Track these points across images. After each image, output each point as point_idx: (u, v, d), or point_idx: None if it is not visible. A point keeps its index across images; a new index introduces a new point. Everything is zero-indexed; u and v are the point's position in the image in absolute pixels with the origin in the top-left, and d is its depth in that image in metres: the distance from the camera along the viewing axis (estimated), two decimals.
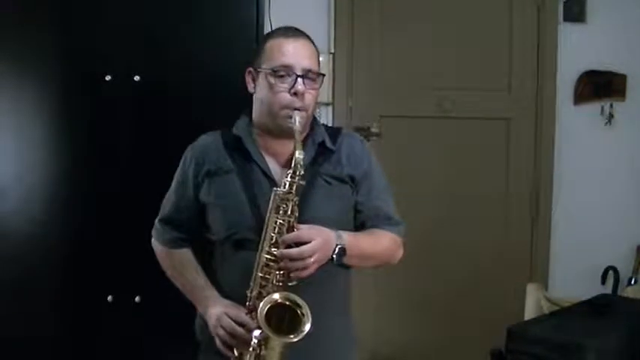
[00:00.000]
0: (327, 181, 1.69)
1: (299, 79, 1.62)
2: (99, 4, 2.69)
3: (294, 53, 1.64)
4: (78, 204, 2.73)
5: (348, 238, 1.62)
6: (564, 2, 3.01)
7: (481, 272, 3.05)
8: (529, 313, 2.71)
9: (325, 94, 2.96)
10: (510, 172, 3.10)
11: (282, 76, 1.64)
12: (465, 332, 2.98)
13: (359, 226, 1.75)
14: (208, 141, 1.79)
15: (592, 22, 3.01)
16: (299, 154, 1.55)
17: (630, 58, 3.00)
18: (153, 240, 1.87)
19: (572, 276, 3.03)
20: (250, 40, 2.72)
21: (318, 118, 1.80)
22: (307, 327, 1.47)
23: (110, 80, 2.69)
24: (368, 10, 3.01)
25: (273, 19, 2.79)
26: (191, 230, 1.77)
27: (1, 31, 2.67)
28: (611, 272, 2.92)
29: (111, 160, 2.72)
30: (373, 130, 2.96)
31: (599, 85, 3.02)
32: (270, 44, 1.68)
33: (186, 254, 1.79)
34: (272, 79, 1.65)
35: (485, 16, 3.05)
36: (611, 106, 3.03)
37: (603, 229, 3.01)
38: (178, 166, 1.85)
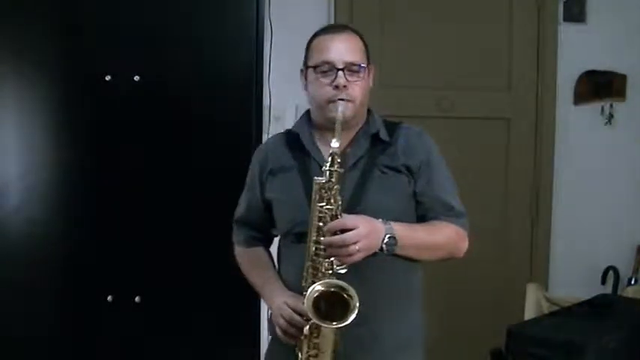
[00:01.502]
0: (382, 172, 1.72)
1: (339, 73, 1.68)
2: (99, 4, 2.69)
3: (334, 48, 1.70)
4: (78, 204, 2.73)
5: (399, 227, 1.63)
6: (564, 2, 3.01)
7: (481, 272, 3.04)
8: (529, 313, 2.71)
9: None
10: (510, 172, 3.10)
11: (325, 72, 1.70)
12: (465, 332, 2.98)
13: (420, 217, 1.76)
14: (272, 142, 1.89)
15: (592, 22, 3.01)
16: (334, 143, 1.59)
17: (630, 58, 3.01)
18: (233, 240, 1.95)
19: (572, 276, 3.03)
20: (250, 40, 2.72)
21: (374, 111, 1.83)
22: (353, 314, 1.50)
23: (110, 80, 2.69)
24: (368, 10, 3.01)
25: (273, 19, 2.80)
26: (262, 228, 1.87)
27: (2, 31, 2.67)
28: (611, 272, 2.92)
29: (111, 160, 2.72)
30: None
31: (599, 85, 3.02)
32: (314, 43, 1.76)
33: (257, 252, 1.89)
34: (316, 76, 1.71)
35: (485, 16, 3.05)
36: (611, 106, 3.03)
37: (603, 229, 3.01)
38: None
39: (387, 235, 1.60)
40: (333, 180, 1.59)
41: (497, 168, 3.09)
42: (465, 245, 1.81)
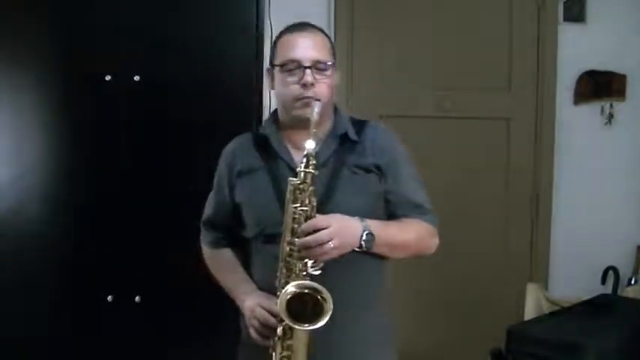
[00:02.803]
0: (353, 172, 1.71)
1: (307, 71, 1.66)
2: (99, 4, 2.69)
3: (300, 46, 1.69)
4: (78, 204, 2.73)
5: (374, 224, 1.63)
6: (564, 2, 3.01)
7: (481, 272, 3.05)
8: (529, 313, 2.71)
9: None
10: (510, 172, 3.10)
11: (291, 70, 1.68)
12: (465, 332, 2.98)
13: (389, 215, 1.76)
14: (239, 142, 1.85)
15: (592, 22, 3.01)
16: (309, 144, 1.58)
17: (630, 58, 3.00)
18: (201, 243, 1.94)
19: (572, 276, 3.02)
20: (250, 40, 2.72)
21: (340, 109, 1.82)
22: (327, 315, 1.49)
23: (110, 80, 2.69)
24: (368, 10, 3.01)
25: (273, 19, 2.79)
26: (231, 230, 1.84)
27: (1, 30, 2.67)
28: (611, 272, 2.92)
29: (111, 160, 2.72)
30: None
31: (599, 85, 3.02)
32: (280, 41, 1.75)
33: (226, 253, 1.87)
34: (283, 75, 1.69)
35: (486, 16, 3.05)
36: (611, 106, 3.03)
37: (603, 229, 3.01)
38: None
39: (365, 232, 1.60)
40: (308, 181, 1.57)
41: (498, 168, 3.09)
42: (435, 242, 1.81)
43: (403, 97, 3.05)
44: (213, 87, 2.71)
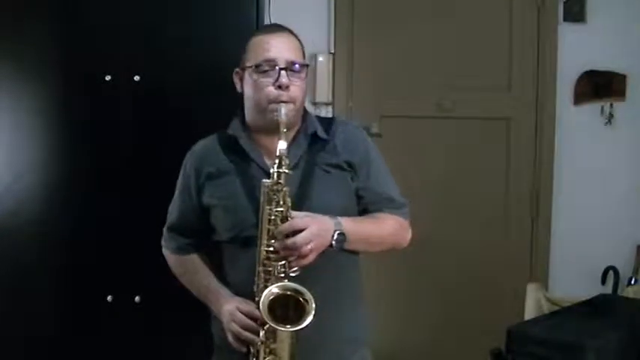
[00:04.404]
0: (325, 170, 1.71)
1: (282, 72, 1.65)
2: (99, 4, 2.69)
3: (275, 47, 1.68)
4: (78, 204, 2.73)
5: (347, 222, 1.63)
6: (564, 2, 3.01)
7: (481, 272, 3.04)
8: (529, 313, 2.71)
9: (325, 94, 2.96)
10: (510, 172, 3.10)
11: (265, 71, 1.67)
12: (465, 332, 2.98)
13: (362, 211, 1.76)
14: (205, 145, 1.82)
15: (592, 22, 3.00)
16: (281, 145, 1.57)
17: (630, 58, 3.00)
18: (163, 249, 1.89)
19: (572, 276, 3.02)
20: None
21: (309, 111, 1.81)
22: (310, 316, 1.48)
23: (110, 80, 2.69)
24: (368, 10, 3.01)
25: (273, 19, 2.79)
26: (198, 235, 1.80)
27: (1, 31, 2.67)
28: (611, 272, 2.92)
29: (111, 160, 2.72)
30: (373, 130, 2.95)
31: (599, 85, 3.02)
32: (252, 42, 1.73)
33: (196, 259, 1.83)
34: (257, 76, 1.68)
35: (486, 16, 3.05)
36: (611, 106, 3.02)
37: (603, 229, 3.01)
38: (178, 166, 1.86)
39: (337, 232, 1.59)
40: (282, 182, 1.57)
41: (498, 168, 3.09)
42: (408, 235, 1.82)
43: (403, 97, 3.05)
44: (213, 87, 2.71)
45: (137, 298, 2.73)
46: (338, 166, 1.72)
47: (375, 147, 1.82)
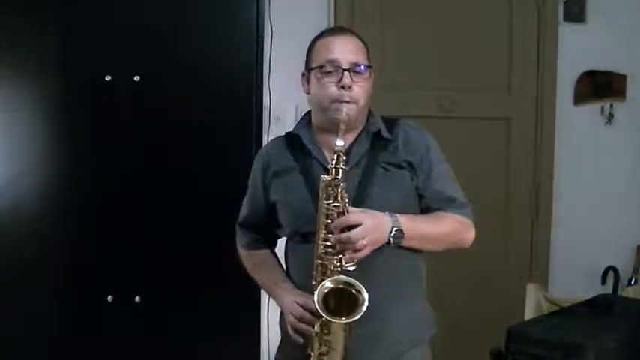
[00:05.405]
0: (385, 169, 1.74)
1: (345, 73, 1.69)
2: (99, 4, 2.69)
3: (339, 48, 1.72)
4: (78, 204, 2.73)
5: (404, 219, 1.66)
6: (564, 2, 3.01)
7: (481, 272, 3.04)
8: (529, 313, 2.71)
9: None
10: (510, 172, 3.10)
11: (329, 72, 1.70)
12: (465, 332, 2.98)
13: (424, 210, 1.78)
14: (273, 145, 1.89)
15: (592, 22, 3.00)
16: (339, 142, 1.61)
17: (630, 58, 3.00)
18: (237, 244, 1.96)
19: (572, 276, 3.02)
20: (250, 40, 2.72)
21: (373, 111, 1.84)
22: (363, 308, 1.52)
23: (110, 80, 2.69)
24: (368, 10, 3.01)
25: (273, 19, 2.80)
26: (267, 231, 1.88)
27: (2, 31, 2.67)
28: (611, 272, 2.92)
29: (111, 160, 2.73)
30: None
31: (599, 85, 3.02)
32: (317, 44, 1.76)
33: (263, 254, 1.90)
34: (321, 76, 1.71)
35: (486, 16, 3.04)
36: (611, 106, 3.02)
37: (603, 229, 3.01)
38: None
39: (394, 228, 1.62)
40: (339, 177, 1.60)
41: (498, 168, 3.09)
42: (471, 235, 1.83)
43: (403, 97, 3.04)
44: (213, 87, 2.71)
45: (137, 298, 2.73)
46: (398, 165, 1.75)
47: (437, 148, 1.85)
